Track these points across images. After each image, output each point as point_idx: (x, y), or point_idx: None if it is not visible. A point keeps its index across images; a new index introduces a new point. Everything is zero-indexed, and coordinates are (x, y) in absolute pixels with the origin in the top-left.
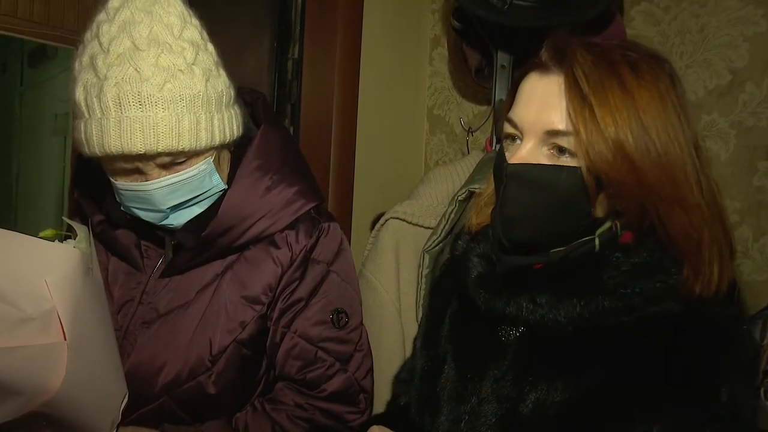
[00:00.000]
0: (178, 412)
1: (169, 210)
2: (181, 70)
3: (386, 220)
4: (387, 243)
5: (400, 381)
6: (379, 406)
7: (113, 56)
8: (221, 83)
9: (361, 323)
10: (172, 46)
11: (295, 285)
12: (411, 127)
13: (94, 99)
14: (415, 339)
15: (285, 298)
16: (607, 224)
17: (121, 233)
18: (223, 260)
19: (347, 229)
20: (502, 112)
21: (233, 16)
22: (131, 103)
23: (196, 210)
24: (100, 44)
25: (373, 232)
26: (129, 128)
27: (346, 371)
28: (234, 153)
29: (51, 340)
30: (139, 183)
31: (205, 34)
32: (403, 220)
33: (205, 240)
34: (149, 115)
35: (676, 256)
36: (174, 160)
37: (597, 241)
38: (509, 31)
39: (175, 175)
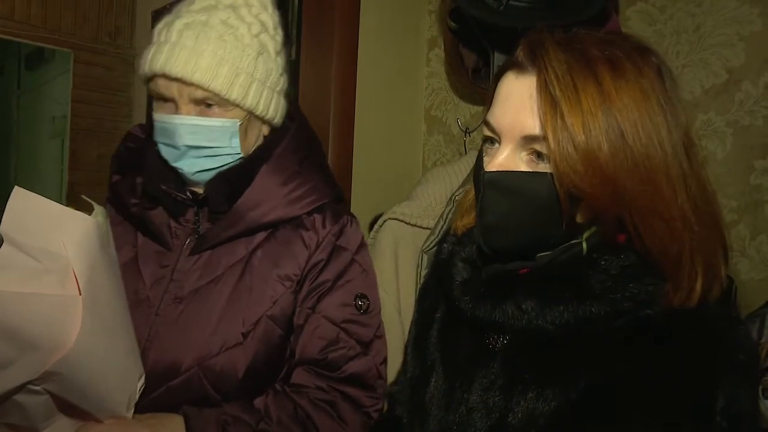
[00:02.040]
0: (206, 386)
1: (184, 148)
2: (242, 34)
3: (384, 221)
4: (386, 244)
5: (395, 391)
6: None
7: (196, 6)
8: (273, 66)
9: (380, 313)
10: (245, 17)
11: (321, 266)
12: (408, 128)
13: (165, 29)
14: (406, 345)
15: (312, 278)
16: (595, 228)
17: (154, 214)
18: (250, 239)
19: None
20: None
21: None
22: (189, 36)
23: (207, 163)
24: (191, 0)
25: (372, 233)
26: (178, 53)
27: (367, 354)
28: (267, 140)
29: (67, 293)
30: (169, 115)
31: (279, 31)
32: (402, 221)
33: (237, 211)
34: (198, 49)
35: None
36: (206, 99)
37: (585, 245)
38: (506, 31)
39: (201, 118)
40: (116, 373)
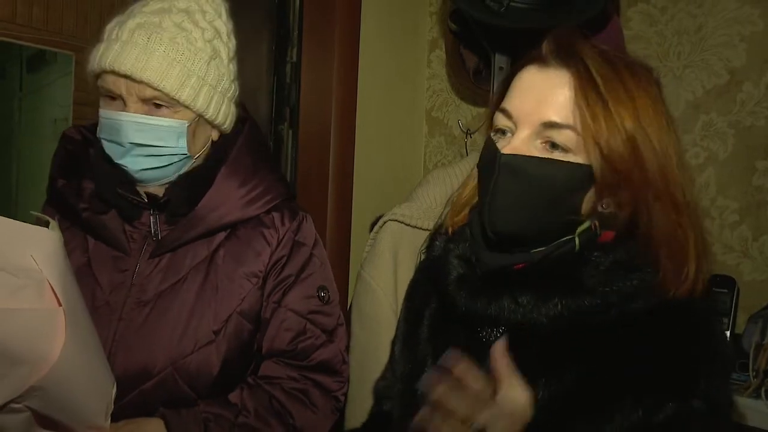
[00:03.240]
0: (181, 385)
1: (129, 145)
2: (195, 38)
3: (384, 222)
4: (385, 245)
5: (381, 386)
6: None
7: (149, 8)
8: (225, 72)
9: (338, 302)
10: (198, 22)
11: (284, 262)
12: (410, 130)
13: (117, 27)
14: (393, 342)
15: (276, 273)
16: (587, 224)
17: (107, 218)
18: (211, 239)
19: (347, 231)
20: (490, 105)
21: (231, 20)
22: (141, 35)
23: (152, 162)
24: (145, 2)
25: (372, 234)
26: (128, 50)
27: (332, 341)
28: (219, 143)
29: (47, 306)
30: (117, 112)
31: (232, 39)
32: (402, 222)
33: (197, 214)
34: (150, 48)
35: (651, 256)
36: (154, 98)
37: (577, 240)
38: (506, 32)
39: (149, 117)
40: (94, 382)
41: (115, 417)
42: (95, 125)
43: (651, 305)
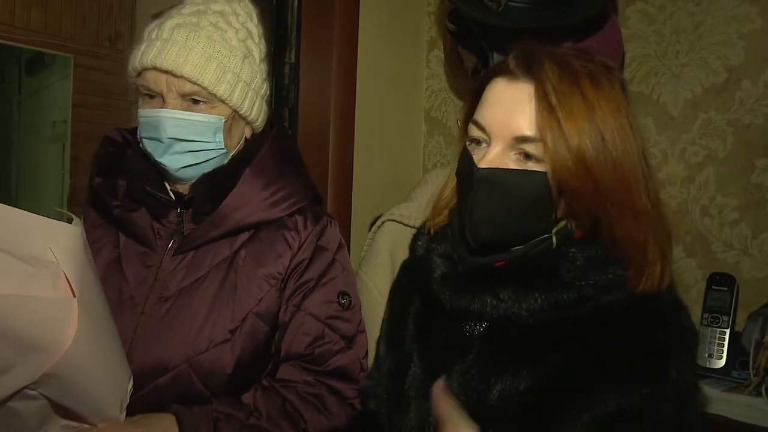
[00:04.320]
0: (195, 382)
1: (168, 141)
2: (230, 37)
3: (383, 222)
4: (383, 245)
5: (368, 385)
6: None
7: (187, 10)
8: (257, 71)
9: (360, 309)
10: (232, 23)
11: (305, 265)
12: (408, 130)
13: (156, 27)
14: (378, 341)
15: (296, 276)
16: (563, 223)
17: (137, 215)
18: (233, 239)
19: (346, 231)
20: (463, 114)
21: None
22: (180, 34)
23: (190, 158)
24: (183, 4)
25: (370, 234)
26: (169, 47)
27: (351, 348)
28: (248, 144)
29: (61, 296)
30: (156, 109)
31: (262, 40)
32: (400, 222)
33: (221, 213)
34: (189, 45)
35: (620, 254)
36: (193, 93)
37: (554, 238)
38: (505, 32)
39: (187, 113)
40: (109, 374)
41: (130, 410)
42: (135, 129)
43: (624, 298)
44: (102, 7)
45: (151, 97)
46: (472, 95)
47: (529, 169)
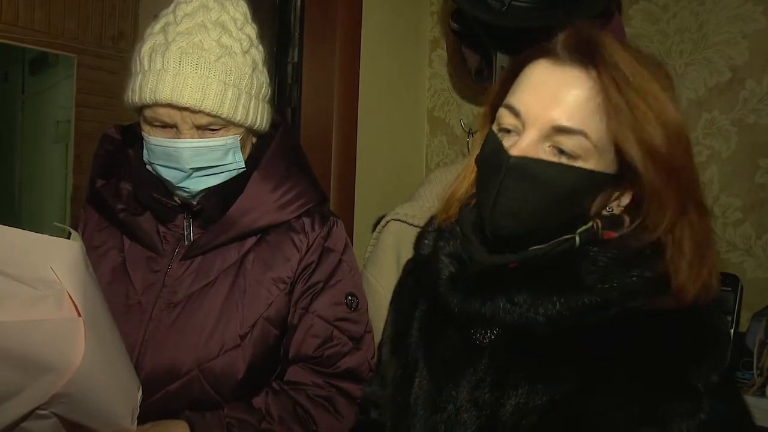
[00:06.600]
0: (206, 388)
1: (191, 170)
2: (235, 53)
3: (387, 222)
4: (388, 244)
5: (368, 392)
6: None
7: (184, 27)
8: (263, 78)
9: (367, 309)
10: (233, 34)
11: (312, 268)
12: (411, 129)
13: (159, 55)
14: (380, 346)
15: (304, 279)
16: (589, 224)
17: (142, 219)
18: (241, 243)
19: (349, 231)
20: (489, 98)
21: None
22: (190, 63)
23: (211, 181)
24: (175, 18)
25: (374, 233)
26: (183, 82)
27: (359, 349)
28: (256, 148)
29: (66, 316)
30: (172, 140)
31: (259, 40)
32: (404, 222)
33: (229, 218)
34: (202, 76)
35: (663, 258)
36: (210, 124)
37: (577, 239)
38: (508, 32)
39: (205, 140)
40: (119, 387)
41: (141, 417)
42: (133, 125)
43: (652, 304)
44: (105, 7)
45: (163, 126)
46: (501, 80)
47: (563, 163)
